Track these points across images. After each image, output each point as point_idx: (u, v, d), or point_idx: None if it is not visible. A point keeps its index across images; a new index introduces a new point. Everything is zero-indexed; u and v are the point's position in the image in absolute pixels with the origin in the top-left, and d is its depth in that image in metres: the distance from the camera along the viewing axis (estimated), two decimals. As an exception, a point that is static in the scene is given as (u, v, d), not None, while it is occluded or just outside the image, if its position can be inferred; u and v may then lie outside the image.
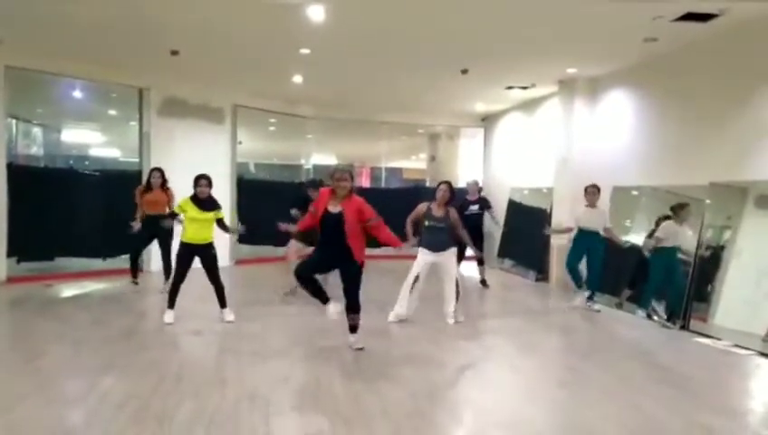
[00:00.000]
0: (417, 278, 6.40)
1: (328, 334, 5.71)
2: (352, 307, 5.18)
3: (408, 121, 13.39)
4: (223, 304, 6.31)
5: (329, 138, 14.03)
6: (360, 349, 5.21)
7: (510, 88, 10.05)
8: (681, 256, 6.85)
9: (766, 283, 5.88)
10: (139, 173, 9.40)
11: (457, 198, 7.73)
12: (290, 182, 12.52)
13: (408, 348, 5.53)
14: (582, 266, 7.69)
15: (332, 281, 6.15)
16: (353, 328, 5.25)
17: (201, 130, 10.39)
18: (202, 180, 6.15)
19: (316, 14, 6.34)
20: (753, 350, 5.63)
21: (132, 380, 4.33)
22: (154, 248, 8.37)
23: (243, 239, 11.14)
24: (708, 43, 6.73)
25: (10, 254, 8.37)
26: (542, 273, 9.94)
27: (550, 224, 9.32)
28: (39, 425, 3.49)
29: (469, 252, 9.05)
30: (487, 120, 13.15)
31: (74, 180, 9.40)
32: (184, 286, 6.14)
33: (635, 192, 8.20)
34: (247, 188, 11.31)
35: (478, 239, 9.14)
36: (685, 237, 6.84)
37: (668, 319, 6.76)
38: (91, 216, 9.10)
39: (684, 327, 6.57)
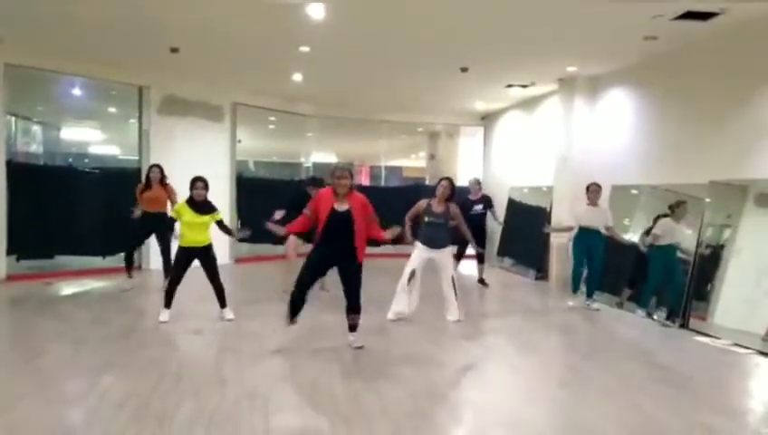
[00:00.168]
0: (413, 274, 6.36)
1: (327, 333, 5.71)
2: (353, 308, 5.18)
3: (408, 120, 13.39)
4: (223, 303, 6.31)
5: (328, 136, 14.02)
6: (360, 348, 5.21)
7: (510, 86, 10.04)
8: (680, 254, 6.87)
9: (766, 281, 5.88)
10: (139, 171, 9.39)
11: (459, 196, 7.73)
12: (289, 180, 12.51)
13: (407, 347, 5.53)
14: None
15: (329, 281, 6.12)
16: (353, 327, 5.26)
17: (201, 129, 10.39)
18: (198, 183, 6.13)
19: (316, 12, 6.33)
20: (752, 349, 5.64)
21: (132, 379, 4.33)
22: (153, 248, 8.36)
23: (243, 238, 11.19)
24: (708, 42, 6.73)
25: (10, 252, 8.37)
26: (541, 272, 9.94)
27: (549, 222, 9.31)
28: (39, 424, 3.49)
29: (470, 250, 9.09)
30: (487, 119, 13.14)
31: (74, 178, 9.41)
32: (184, 286, 6.14)
33: (634, 191, 8.19)
34: (247, 187, 11.31)
35: (482, 239, 9.15)
36: (682, 235, 6.85)
37: (668, 318, 6.76)
38: (91, 214, 9.11)
39: (683, 326, 6.58)
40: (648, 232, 7.13)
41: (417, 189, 12.36)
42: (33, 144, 10.70)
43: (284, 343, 5.34)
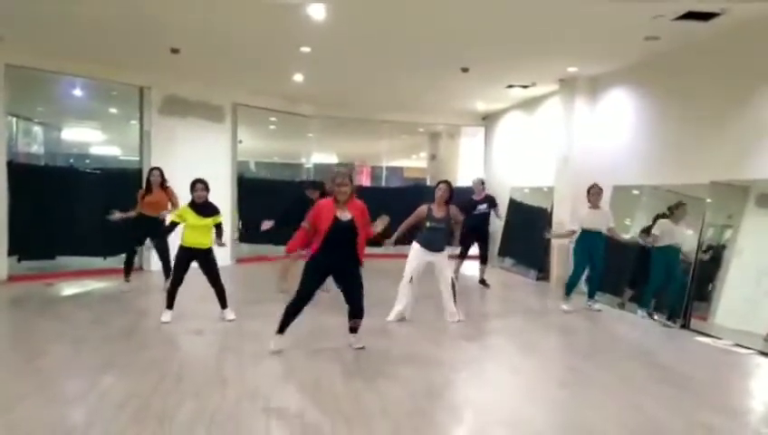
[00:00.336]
0: (413, 277, 6.41)
1: (328, 334, 5.71)
2: (356, 313, 5.19)
3: (409, 120, 13.39)
4: (224, 304, 6.32)
5: (329, 136, 14.04)
6: (361, 348, 5.21)
7: (510, 87, 10.04)
8: (681, 255, 6.86)
9: (767, 282, 5.87)
10: (140, 172, 9.40)
11: (462, 197, 7.73)
12: (290, 181, 12.52)
13: (407, 347, 5.53)
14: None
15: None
16: (354, 329, 5.27)
17: (202, 129, 10.39)
18: (198, 184, 6.14)
19: (317, 12, 6.33)
20: (753, 349, 5.63)
21: (133, 379, 4.33)
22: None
23: (243, 238, 11.21)
24: (709, 42, 6.72)
25: (11, 252, 8.38)
26: (542, 272, 9.93)
27: (551, 226, 9.30)
28: (39, 424, 3.48)
29: (471, 250, 9.11)
30: (488, 119, 13.14)
31: (75, 179, 9.42)
32: (185, 286, 6.14)
33: (635, 191, 8.18)
34: (248, 187, 11.33)
35: (485, 239, 9.16)
36: (682, 236, 6.85)
37: (669, 318, 6.76)
38: (92, 214, 9.07)
39: (684, 326, 6.58)
40: (646, 230, 7.13)
41: (418, 190, 12.37)
42: (35, 145, 10.72)
43: (285, 342, 5.33)
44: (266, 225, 7.38)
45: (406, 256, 6.55)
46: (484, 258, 9.17)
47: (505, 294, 9.01)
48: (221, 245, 6.29)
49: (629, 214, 8.14)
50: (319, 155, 13.64)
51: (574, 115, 9.13)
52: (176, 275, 6.15)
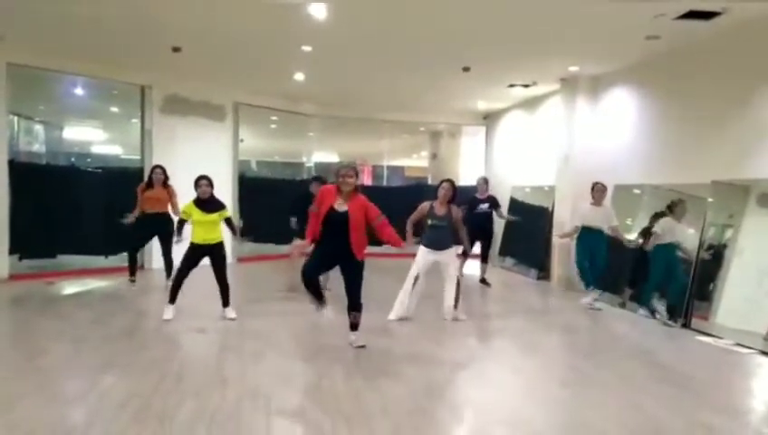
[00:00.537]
0: (417, 277, 6.40)
1: (329, 332, 5.71)
2: (354, 306, 5.19)
3: (410, 119, 13.39)
4: (226, 302, 6.32)
5: (330, 136, 14.03)
6: (362, 347, 5.21)
7: (512, 86, 10.04)
8: (682, 253, 6.86)
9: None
10: (141, 171, 9.41)
11: (465, 196, 7.69)
12: (291, 180, 12.50)
13: (409, 346, 5.53)
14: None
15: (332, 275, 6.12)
16: (354, 326, 5.26)
17: (203, 128, 10.39)
18: (202, 181, 6.16)
19: (318, 11, 6.33)
20: (754, 349, 5.62)
21: (133, 378, 4.33)
22: (155, 246, 8.36)
23: (245, 237, 11.20)
24: (710, 42, 6.71)
25: (12, 251, 8.39)
26: (543, 271, 9.93)
27: (551, 226, 9.30)
28: (39, 424, 3.48)
29: (473, 250, 9.10)
30: (489, 119, 13.13)
31: (76, 178, 9.42)
32: (187, 285, 6.14)
33: (637, 190, 8.18)
34: (249, 186, 11.33)
35: (487, 238, 9.15)
36: (683, 234, 6.85)
37: (670, 317, 6.75)
38: (93, 213, 9.11)
39: (685, 326, 6.57)
40: (644, 233, 7.11)
41: (419, 189, 12.37)
42: (36, 144, 10.71)
43: (286, 341, 5.35)
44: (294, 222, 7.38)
45: (408, 256, 6.55)
46: (485, 257, 9.18)
47: (506, 294, 9.00)
48: (236, 238, 6.55)
49: (631, 213, 8.13)
50: (320, 154, 13.64)
51: (575, 114, 9.12)
52: (183, 267, 6.11)
